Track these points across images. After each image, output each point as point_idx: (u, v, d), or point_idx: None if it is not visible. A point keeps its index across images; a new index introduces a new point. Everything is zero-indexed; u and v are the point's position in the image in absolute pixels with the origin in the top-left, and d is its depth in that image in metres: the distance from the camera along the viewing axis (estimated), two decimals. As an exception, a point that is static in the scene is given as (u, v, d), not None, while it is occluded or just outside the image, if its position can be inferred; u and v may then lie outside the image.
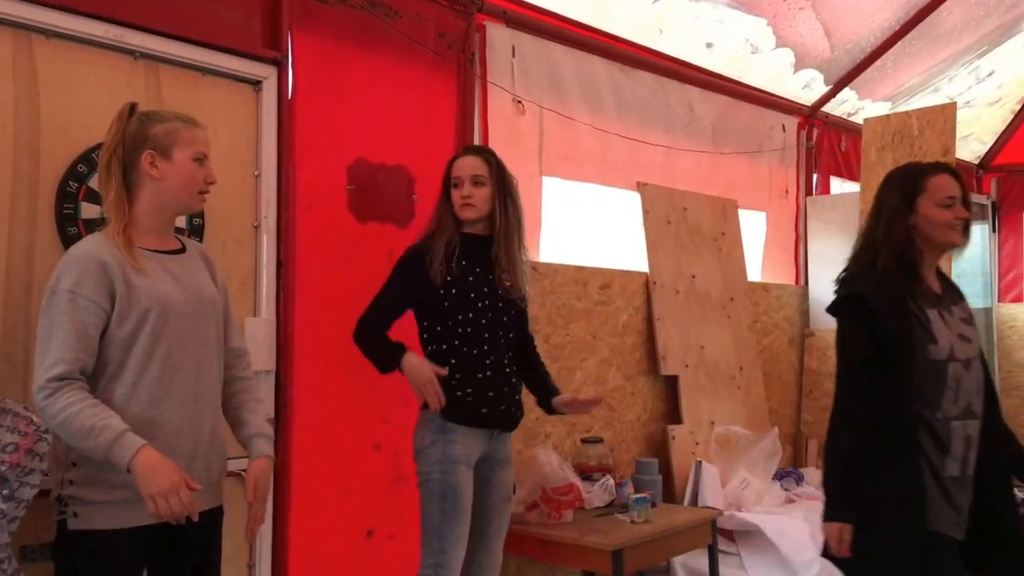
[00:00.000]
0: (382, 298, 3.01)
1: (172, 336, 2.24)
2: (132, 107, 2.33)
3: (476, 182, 2.99)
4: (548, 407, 3.18)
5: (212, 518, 2.39)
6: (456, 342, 2.96)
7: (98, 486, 2.15)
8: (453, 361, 2.95)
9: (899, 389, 2.55)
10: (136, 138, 2.27)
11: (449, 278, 2.94)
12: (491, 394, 2.95)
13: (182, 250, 2.40)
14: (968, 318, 2.69)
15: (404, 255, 3.04)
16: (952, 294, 2.74)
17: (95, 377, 2.17)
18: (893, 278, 2.63)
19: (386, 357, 2.95)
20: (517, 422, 3.06)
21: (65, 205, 2.64)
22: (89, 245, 2.22)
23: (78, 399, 2.06)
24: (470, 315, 2.96)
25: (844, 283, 2.75)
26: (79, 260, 2.17)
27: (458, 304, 2.95)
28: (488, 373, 2.96)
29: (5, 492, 1.99)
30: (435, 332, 3.00)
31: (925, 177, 2.68)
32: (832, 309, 2.74)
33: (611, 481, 3.81)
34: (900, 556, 2.53)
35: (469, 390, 2.93)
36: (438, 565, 2.87)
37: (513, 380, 3.04)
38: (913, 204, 2.66)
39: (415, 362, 2.91)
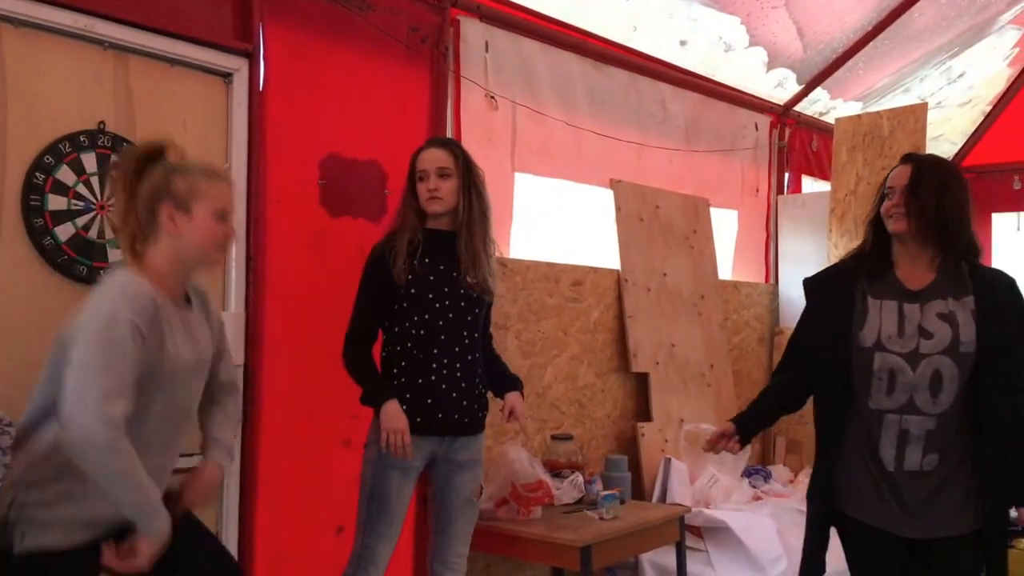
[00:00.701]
0: (358, 308, 2.97)
1: (172, 394, 2.20)
2: (146, 156, 2.22)
3: (442, 174, 2.94)
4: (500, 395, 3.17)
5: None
6: (408, 344, 2.92)
7: (53, 507, 2.10)
8: (403, 364, 2.93)
9: (828, 373, 2.59)
10: (159, 190, 2.18)
11: (411, 277, 2.90)
12: (429, 401, 2.90)
13: (188, 300, 2.33)
14: (947, 314, 2.50)
15: (369, 257, 3.00)
16: (945, 289, 2.54)
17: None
18: (849, 264, 2.66)
19: (371, 393, 2.90)
20: (467, 429, 3.00)
21: (32, 196, 2.61)
22: (136, 283, 2.12)
23: (133, 451, 2.01)
24: (426, 316, 2.92)
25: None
26: (137, 299, 2.08)
27: (415, 305, 2.91)
28: (433, 378, 2.92)
29: (-33, 486, 1.96)
30: (392, 333, 2.97)
31: None
32: None
33: (580, 478, 3.81)
34: (809, 530, 2.65)
35: (408, 395, 2.89)
36: (360, 558, 2.91)
37: (465, 384, 2.97)
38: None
39: (394, 410, 2.84)
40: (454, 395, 2.94)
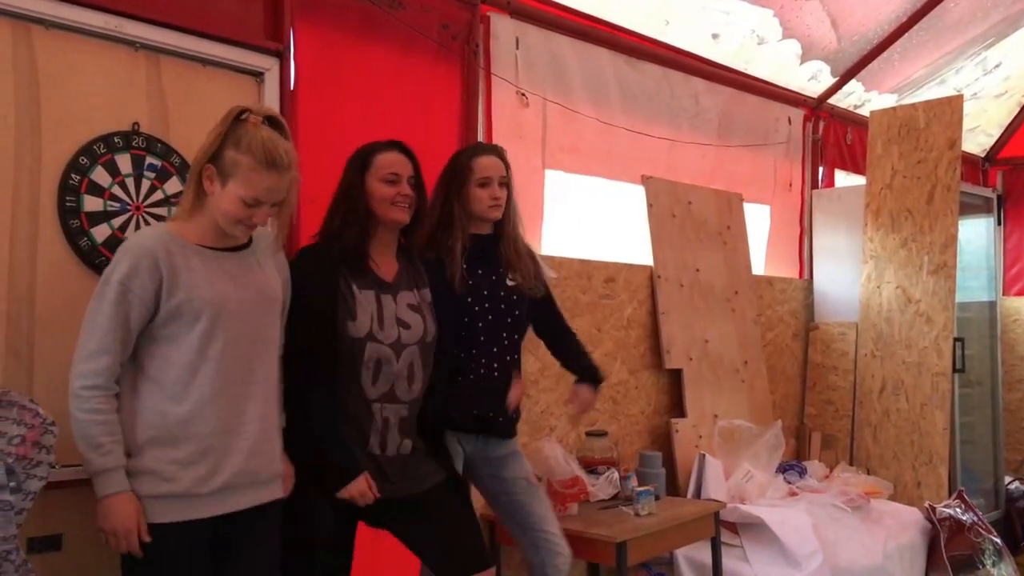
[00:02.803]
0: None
1: (225, 336, 2.29)
2: (238, 113, 2.34)
3: (502, 183, 2.99)
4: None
5: (263, 514, 2.42)
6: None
7: (154, 479, 2.23)
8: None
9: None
10: (216, 150, 2.30)
11: (461, 279, 2.91)
12: (466, 399, 2.91)
13: (245, 246, 2.43)
14: (416, 304, 2.75)
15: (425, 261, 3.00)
16: (412, 279, 2.80)
17: (132, 372, 2.28)
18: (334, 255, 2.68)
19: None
20: (501, 430, 3.00)
21: (67, 198, 2.63)
22: (146, 238, 2.30)
23: (107, 408, 2.21)
24: (465, 319, 2.93)
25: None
26: (133, 252, 2.25)
27: (458, 307, 2.93)
28: (471, 377, 2.94)
29: (12, 484, 1.99)
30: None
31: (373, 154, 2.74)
32: None
33: (615, 474, 3.81)
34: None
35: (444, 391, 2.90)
36: None
37: (502, 385, 2.97)
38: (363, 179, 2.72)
39: None
40: (486, 397, 2.96)
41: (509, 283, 3.00)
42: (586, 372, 3.19)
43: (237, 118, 2.32)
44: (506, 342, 3.00)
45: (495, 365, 2.96)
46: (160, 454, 2.24)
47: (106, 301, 2.22)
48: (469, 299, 2.94)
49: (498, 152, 3.06)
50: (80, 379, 2.21)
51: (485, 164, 2.99)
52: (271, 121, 2.36)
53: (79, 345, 2.25)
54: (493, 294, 2.98)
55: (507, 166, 3.03)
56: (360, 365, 2.62)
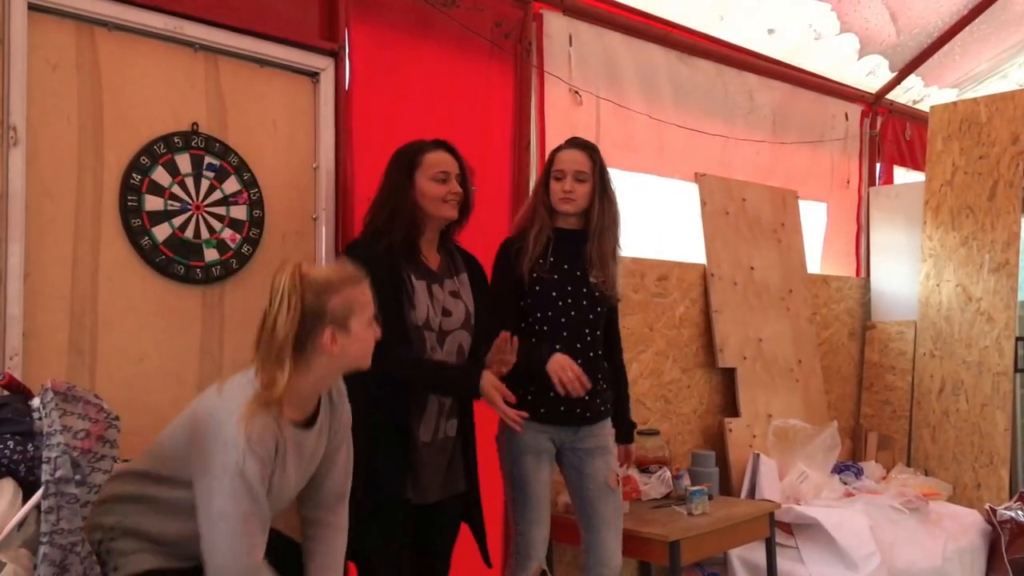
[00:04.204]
0: (493, 306, 2.97)
1: (271, 507, 2.19)
2: (300, 274, 2.14)
3: (579, 178, 3.00)
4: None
5: None
6: (532, 339, 2.98)
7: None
8: None
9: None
10: (315, 313, 2.14)
11: (535, 275, 2.96)
12: (552, 393, 2.92)
13: (315, 415, 2.28)
14: (456, 290, 2.81)
15: (499, 253, 3.07)
16: (451, 267, 2.85)
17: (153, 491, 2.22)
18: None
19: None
20: (588, 420, 3.04)
21: (129, 197, 2.69)
22: (264, 429, 2.09)
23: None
24: (549, 313, 2.98)
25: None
26: (261, 445, 2.08)
27: (539, 301, 2.98)
28: None
29: (77, 477, 2.02)
30: (517, 329, 2.99)
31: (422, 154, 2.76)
32: None
33: (668, 473, 3.79)
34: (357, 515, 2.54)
35: (531, 388, 2.94)
36: (518, 546, 3.03)
37: (588, 377, 2.98)
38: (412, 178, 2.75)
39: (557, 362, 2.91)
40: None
41: (592, 280, 3.02)
42: (624, 429, 3.24)
43: (296, 281, 2.14)
44: (589, 338, 3.03)
45: (579, 361, 2.96)
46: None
47: (251, 492, 2.07)
48: (553, 293, 2.98)
49: (583, 146, 3.07)
50: (256, 572, 2.09)
51: (561, 157, 3.04)
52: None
53: (229, 538, 2.06)
54: (576, 289, 3.01)
55: (596, 163, 3.03)
56: (420, 351, 2.68)
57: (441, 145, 2.83)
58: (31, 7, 2.52)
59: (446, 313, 2.76)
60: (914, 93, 5.86)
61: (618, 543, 3.07)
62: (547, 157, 3.13)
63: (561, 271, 3.00)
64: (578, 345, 3.00)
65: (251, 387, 2.12)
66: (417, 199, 2.74)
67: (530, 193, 3.23)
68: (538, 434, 2.98)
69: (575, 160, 3.01)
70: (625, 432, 3.25)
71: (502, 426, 3.02)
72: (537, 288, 2.98)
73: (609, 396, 3.13)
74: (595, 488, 3.06)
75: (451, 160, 2.81)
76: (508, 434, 2.98)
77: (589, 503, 3.06)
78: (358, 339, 2.20)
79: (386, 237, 2.70)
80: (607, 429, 3.13)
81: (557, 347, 2.95)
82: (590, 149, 3.07)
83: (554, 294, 2.98)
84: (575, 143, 3.09)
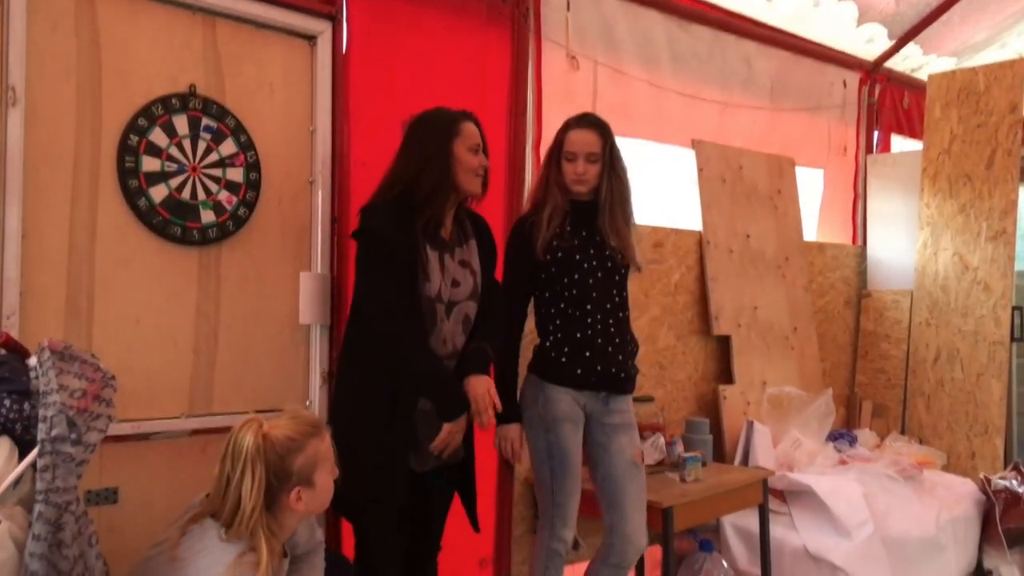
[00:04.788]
0: (510, 288, 3.01)
1: None
2: (263, 436, 2.17)
3: (591, 160, 3.00)
4: None
5: None
6: (562, 304, 3.00)
7: None
8: (557, 322, 3.00)
9: None
10: (281, 476, 2.17)
11: (555, 243, 2.97)
12: (587, 354, 2.96)
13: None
14: (467, 259, 2.79)
15: (513, 233, 3.07)
16: (461, 235, 2.82)
17: None
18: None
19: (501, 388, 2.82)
20: (623, 385, 3.06)
21: (127, 158, 2.69)
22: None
23: None
24: (576, 276, 2.98)
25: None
26: None
27: (563, 268, 2.99)
28: (589, 332, 2.98)
29: (73, 436, 2.03)
30: (543, 298, 3.04)
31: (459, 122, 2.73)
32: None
33: (661, 439, 3.80)
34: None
35: (565, 349, 2.97)
36: (554, 518, 2.97)
37: (619, 339, 3.03)
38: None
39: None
40: (610, 349, 3.00)
41: (611, 244, 3.04)
42: None
43: (259, 444, 2.16)
44: (616, 299, 3.05)
45: (610, 322, 3.00)
46: None
47: None
48: (577, 256, 2.99)
49: (594, 124, 3.06)
50: None
51: (573, 139, 3.02)
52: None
53: None
54: (598, 252, 3.02)
55: (606, 142, 3.02)
56: (429, 324, 2.67)
57: (472, 117, 2.80)
58: (29, -32, 2.51)
59: (455, 284, 2.75)
60: (912, 61, 5.83)
61: (644, 522, 3.06)
62: (558, 133, 3.09)
63: (580, 237, 3.02)
64: (608, 305, 3.01)
65: (228, 555, 2.10)
66: (455, 167, 2.69)
67: (539, 167, 3.21)
68: (573, 401, 2.98)
69: (587, 142, 3.00)
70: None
71: (529, 397, 3.02)
72: (559, 255, 2.98)
73: (630, 365, 3.11)
74: (622, 466, 3.04)
75: (479, 133, 2.79)
76: (543, 403, 2.97)
77: (614, 481, 3.03)
78: (322, 491, 2.26)
79: (408, 203, 2.65)
80: (630, 404, 3.14)
81: (588, 307, 2.97)
82: (601, 128, 3.05)
83: (578, 257, 2.99)
84: (586, 121, 3.07)
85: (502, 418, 2.87)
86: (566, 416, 2.97)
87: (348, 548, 2.87)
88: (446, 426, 2.64)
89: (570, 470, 2.97)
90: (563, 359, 2.97)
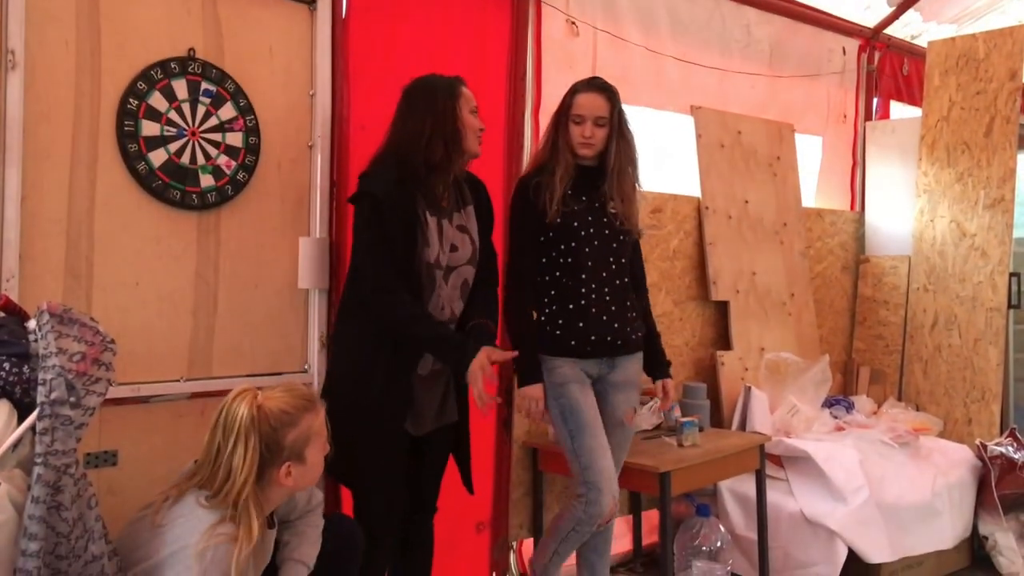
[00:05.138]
0: (519, 245, 3.03)
1: None
2: (258, 407, 2.17)
3: (598, 123, 3.00)
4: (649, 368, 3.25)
5: None
6: (557, 272, 3.01)
7: None
8: (552, 292, 3.02)
9: None
10: (273, 449, 2.17)
11: (557, 208, 2.96)
12: (581, 324, 2.98)
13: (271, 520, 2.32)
14: (464, 224, 2.80)
15: (518, 193, 3.06)
16: (458, 199, 2.82)
17: None
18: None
19: (526, 359, 2.91)
20: (621, 349, 3.07)
21: (126, 122, 2.69)
22: (229, 553, 2.06)
23: None
24: (572, 244, 2.99)
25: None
26: (227, 563, 2.05)
27: (561, 235, 2.99)
28: (583, 303, 2.99)
29: (72, 399, 2.04)
30: (539, 264, 3.04)
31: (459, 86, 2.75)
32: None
33: (658, 404, 3.82)
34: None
35: (560, 321, 2.99)
36: (587, 480, 2.97)
37: (616, 308, 3.03)
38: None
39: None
40: (604, 318, 3.01)
41: (611, 210, 3.03)
42: (661, 366, 3.26)
43: (254, 415, 2.16)
44: (614, 266, 3.05)
45: (606, 290, 3.01)
46: None
47: None
48: (575, 223, 2.99)
49: (603, 89, 3.05)
50: None
51: (581, 102, 3.02)
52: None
53: None
54: (597, 220, 3.02)
55: (614, 106, 3.02)
56: (427, 290, 2.68)
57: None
58: (26, -71, 2.49)
59: (453, 249, 2.76)
60: (912, 28, 5.80)
61: (616, 472, 3.08)
62: (565, 96, 3.08)
63: (580, 203, 3.01)
64: (604, 274, 3.02)
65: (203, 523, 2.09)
66: (461, 128, 2.72)
67: (545, 130, 3.18)
68: (577, 366, 3.01)
69: (595, 105, 3.00)
70: (662, 368, 3.26)
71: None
72: (559, 220, 2.98)
73: (640, 326, 3.15)
74: (611, 423, 3.08)
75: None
76: (547, 371, 2.98)
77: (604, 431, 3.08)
78: (312, 467, 2.25)
79: (409, 169, 2.65)
80: (638, 364, 3.17)
81: (583, 276, 2.98)
82: (609, 92, 3.05)
83: (576, 224, 2.99)
84: (595, 85, 3.06)
85: (524, 378, 2.91)
86: (570, 378, 3.00)
87: (347, 510, 2.90)
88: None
89: (587, 427, 2.98)
90: (558, 332, 2.99)
